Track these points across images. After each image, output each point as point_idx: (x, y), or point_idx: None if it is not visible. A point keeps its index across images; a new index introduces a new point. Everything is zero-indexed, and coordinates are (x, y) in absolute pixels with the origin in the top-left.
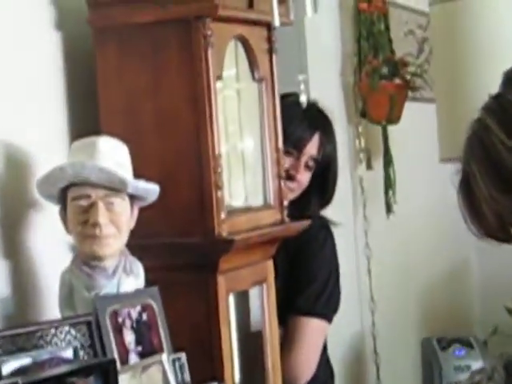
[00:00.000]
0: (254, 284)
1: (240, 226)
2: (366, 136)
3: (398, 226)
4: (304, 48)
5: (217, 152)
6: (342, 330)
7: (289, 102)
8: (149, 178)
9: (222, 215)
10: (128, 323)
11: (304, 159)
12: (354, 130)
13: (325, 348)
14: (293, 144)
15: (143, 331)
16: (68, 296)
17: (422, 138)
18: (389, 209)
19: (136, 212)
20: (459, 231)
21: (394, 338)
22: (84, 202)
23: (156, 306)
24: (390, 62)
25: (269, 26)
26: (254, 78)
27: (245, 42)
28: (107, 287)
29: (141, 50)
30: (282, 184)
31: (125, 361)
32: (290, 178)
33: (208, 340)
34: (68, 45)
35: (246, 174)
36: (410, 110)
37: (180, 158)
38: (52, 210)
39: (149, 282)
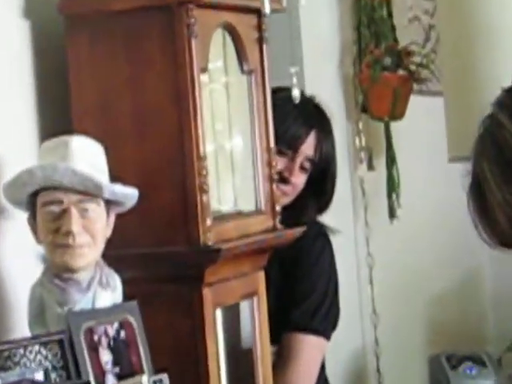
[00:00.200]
0: (243, 297)
1: (228, 233)
2: (367, 133)
3: (402, 233)
4: (298, 37)
5: (202, 152)
6: (342, 346)
7: (282, 96)
8: (127, 182)
9: (208, 222)
10: (104, 341)
11: (299, 160)
12: (354, 127)
13: (322, 367)
14: (286, 143)
15: (121, 350)
16: (38, 312)
17: (428, 135)
18: (392, 213)
19: (113, 219)
20: (471, 238)
21: (398, 355)
22: (55, 208)
23: (135, 322)
24: (393, 51)
25: (259, 13)
26: (242, 70)
27: (232, 31)
28: (81, 302)
29: (117, 41)
30: (275, 187)
31: (101, 383)
32: (283, 180)
33: (193, 359)
34: (38, 34)
35: (234, 176)
36: (416, 104)
37: (161, 159)
38: (21, 218)
39: (127, 296)
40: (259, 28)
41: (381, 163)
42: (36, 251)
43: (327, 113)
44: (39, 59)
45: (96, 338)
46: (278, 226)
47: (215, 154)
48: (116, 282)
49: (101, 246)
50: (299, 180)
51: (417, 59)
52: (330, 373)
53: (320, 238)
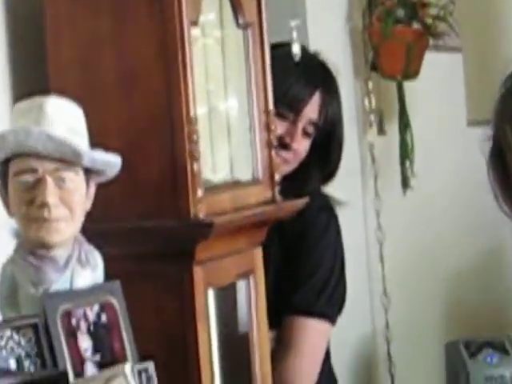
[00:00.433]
0: (238, 277)
1: (221, 205)
2: (378, 94)
3: (416, 204)
4: None
5: (192, 115)
6: (349, 330)
7: (282, 53)
8: (109, 148)
9: (199, 192)
10: (83, 326)
11: (301, 124)
12: (363, 87)
13: (327, 354)
14: (288, 105)
15: (102, 336)
16: (10, 293)
17: (445, 96)
18: (405, 183)
19: (93, 190)
20: (492, 211)
21: (411, 340)
22: (29, 178)
23: (118, 304)
24: (407, 2)
25: None
26: (238, 23)
27: None
28: (58, 282)
29: None
30: (274, 154)
31: (80, 372)
32: (284, 146)
33: (182, 346)
34: None
35: (229, 141)
36: (432, 61)
37: (147, 122)
38: None
39: (109, 276)
40: None
41: (393, 127)
42: (7, 225)
43: (333, 71)
44: (12, 9)
45: (74, 322)
46: (278, 197)
47: (208, 116)
48: (96, 259)
49: (79, 219)
50: (302, 146)
51: (433, 11)
52: (335, 361)
53: (324, 210)
